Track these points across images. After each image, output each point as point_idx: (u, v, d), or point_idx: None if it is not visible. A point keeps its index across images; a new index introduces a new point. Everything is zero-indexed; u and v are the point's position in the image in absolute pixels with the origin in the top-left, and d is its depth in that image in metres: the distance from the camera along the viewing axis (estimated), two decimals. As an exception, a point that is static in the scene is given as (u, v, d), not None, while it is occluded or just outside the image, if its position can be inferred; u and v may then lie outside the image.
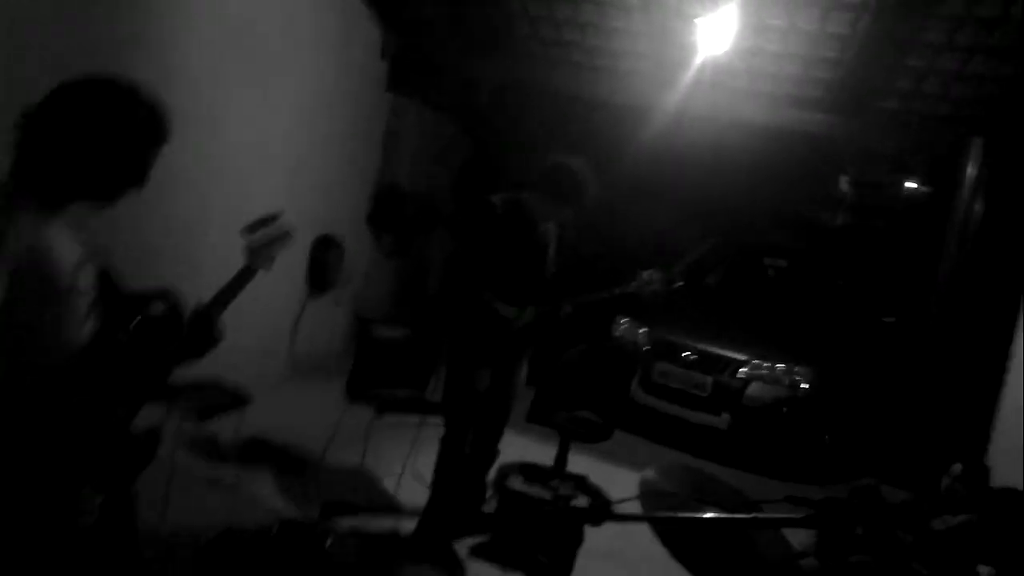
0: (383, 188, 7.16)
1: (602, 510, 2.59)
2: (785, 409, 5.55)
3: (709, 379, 5.70)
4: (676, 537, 2.82)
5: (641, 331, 6.10)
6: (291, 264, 5.00)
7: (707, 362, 5.77)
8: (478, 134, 8.15)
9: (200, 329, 2.20)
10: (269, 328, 5.21)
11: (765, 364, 5.67)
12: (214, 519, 3.41)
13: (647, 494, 2.75)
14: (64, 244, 1.84)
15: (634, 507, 2.40)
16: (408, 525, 3.73)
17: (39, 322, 1.80)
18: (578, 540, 3.16)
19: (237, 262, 2.39)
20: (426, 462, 3.84)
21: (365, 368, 4.60)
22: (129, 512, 2.16)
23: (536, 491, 3.17)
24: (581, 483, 3.49)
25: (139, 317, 2.13)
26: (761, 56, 6.12)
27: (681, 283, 3.80)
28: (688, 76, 6.19)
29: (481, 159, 8.11)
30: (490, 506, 3.68)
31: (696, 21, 5.59)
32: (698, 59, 5.93)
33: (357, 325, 6.19)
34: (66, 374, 1.83)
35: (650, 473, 2.55)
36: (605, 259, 6.23)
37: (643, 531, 3.01)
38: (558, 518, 2.87)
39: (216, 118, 4.68)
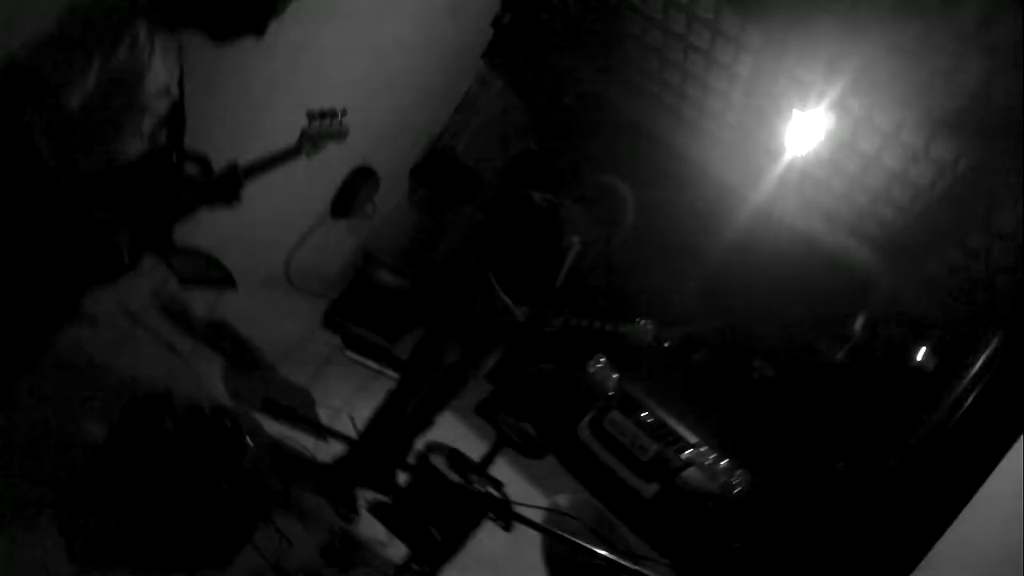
0: (440, 147, 7.25)
1: (507, 506, 2.68)
2: (711, 504, 5.61)
3: (654, 446, 5.77)
4: (560, 563, 2.91)
5: (614, 376, 6.17)
6: (326, 177, 5.11)
7: (659, 430, 5.85)
8: (547, 132, 8.23)
9: (226, 183, 2.32)
10: (280, 228, 5.30)
11: (711, 455, 5.74)
12: (154, 378, 3.51)
13: (552, 514, 2.85)
14: (162, 66, 1.96)
15: (536, 519, 2.49)
16: (325, 457, 3.82)
17: (107, 121, 1.92)
18: (473, 526, 3.26)
19: (287, 140, 2.50)
20: (365, 411, 3.92)
21: (351, 301, 4.70)
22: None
23: (453, 475, 3.26)
24: (497, 486, 3.57)
25: (172, 167, 2.25)
26: (837, 173, 6.19)
27: (668, 344, 3.83)
28: (763, 162, 6.26)
29: (540, 156, 8.19)
30: (406, 471, 3.76)
31: (793, 112, 5.64)
32: (781, 151, 5.99)
33: (362, 258, 6.28)
34: (99, 181, 1.95)
35: (562, 498, 2.64)
36: (605, 294, 6.30)
37: (532, 548, 3.10)
38: (465, 499, 2.96)
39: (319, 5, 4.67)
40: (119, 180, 2.00)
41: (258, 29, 2.03)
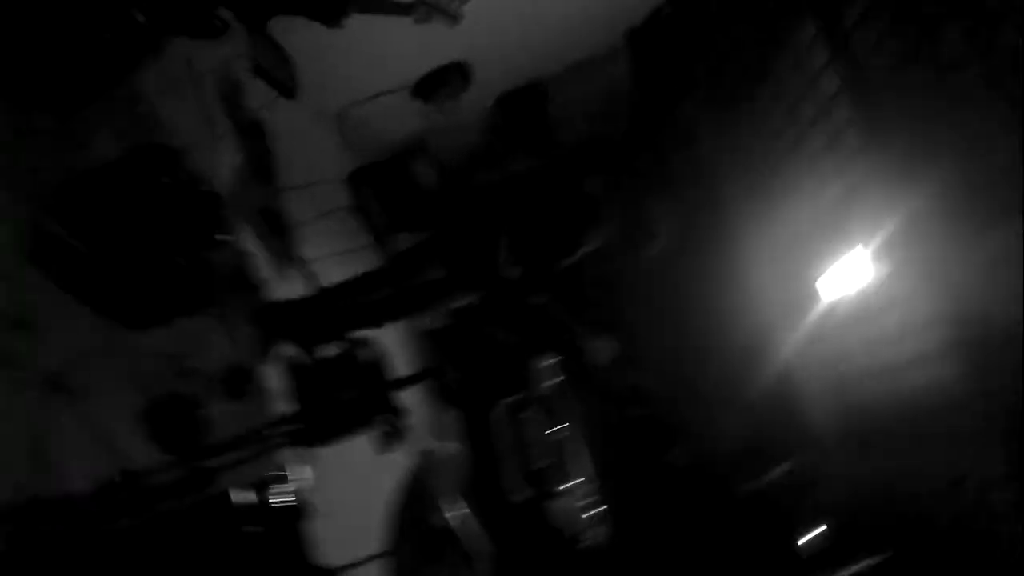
0: (538, 87, 7.12)
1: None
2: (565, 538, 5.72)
3: (546, 461, 5.77)
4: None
5: (556, 380, 6.16)
6: (424, 52, 5.01)
7: (559, 449, 5.84)
8: (634, 129, 7.99)
9: (329, 1, 2.32)
10: (358, 70, 5.23)
11: (588, 500, 5.81)
12: (177, 136, 3.52)
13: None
14: None
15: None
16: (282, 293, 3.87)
17: None
18: (364, 426, 3.34)
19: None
20: (334, 275, 3.96)
21: (380, 173, 4.69)
22: None
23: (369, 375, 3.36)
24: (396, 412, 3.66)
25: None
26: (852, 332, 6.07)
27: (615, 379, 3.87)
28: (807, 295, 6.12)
29: (611, 149, 7.95)
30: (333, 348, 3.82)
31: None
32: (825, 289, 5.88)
33: (412, 142, 6.21)
34: None
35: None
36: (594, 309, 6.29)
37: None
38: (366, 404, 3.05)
39: None
40: None
41: None
